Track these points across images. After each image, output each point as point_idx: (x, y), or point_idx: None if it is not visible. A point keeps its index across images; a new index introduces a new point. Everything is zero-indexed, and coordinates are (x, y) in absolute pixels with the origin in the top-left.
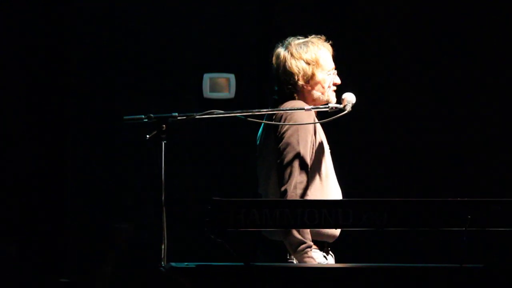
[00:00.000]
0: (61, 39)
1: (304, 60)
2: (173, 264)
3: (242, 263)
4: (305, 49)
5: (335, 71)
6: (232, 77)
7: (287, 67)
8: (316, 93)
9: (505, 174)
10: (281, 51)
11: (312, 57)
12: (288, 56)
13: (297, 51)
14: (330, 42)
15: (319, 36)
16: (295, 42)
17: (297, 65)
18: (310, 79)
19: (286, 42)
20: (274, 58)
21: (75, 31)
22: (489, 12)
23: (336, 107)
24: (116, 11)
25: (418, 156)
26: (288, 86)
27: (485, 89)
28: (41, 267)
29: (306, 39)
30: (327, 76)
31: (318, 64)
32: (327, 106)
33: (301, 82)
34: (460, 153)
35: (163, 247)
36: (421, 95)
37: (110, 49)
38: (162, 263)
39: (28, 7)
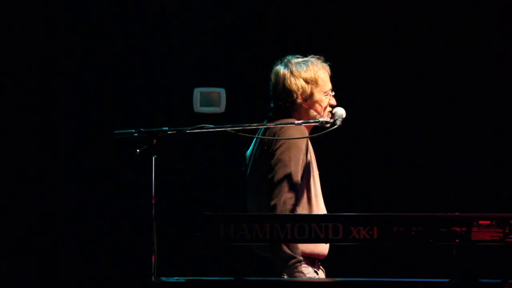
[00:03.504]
0: (51, 52)
1: (303, 79)
2: (163, 278)
3: (232, 278)
4: (304, 68)
5: (332, 92)
6: (222, 91)
7: (287, 84)
8: (313, 113)
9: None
10: (280, 68)
11: (311, 76)
12: (288, 74)
13: (297, 70)
14: (329, 63)
15: (318, 56)
16: (295, 61)
17: (296, 83)
18: (308, 98)
19: (286, 60)
20: (273, 75)
21: (63, 44)
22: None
23: (326, 122)
24: (107, 24)
25: (404, 170)
26: (286, 103)
27: (477, 98)
28: None
29: (306, 58)
30: (324, 97)
31: (317, 84)
32: (317, 120)
33: (299, 100)
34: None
35: (153, 261)
36: (401, 114)
37: (100, 63)
38: (152, 277)
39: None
